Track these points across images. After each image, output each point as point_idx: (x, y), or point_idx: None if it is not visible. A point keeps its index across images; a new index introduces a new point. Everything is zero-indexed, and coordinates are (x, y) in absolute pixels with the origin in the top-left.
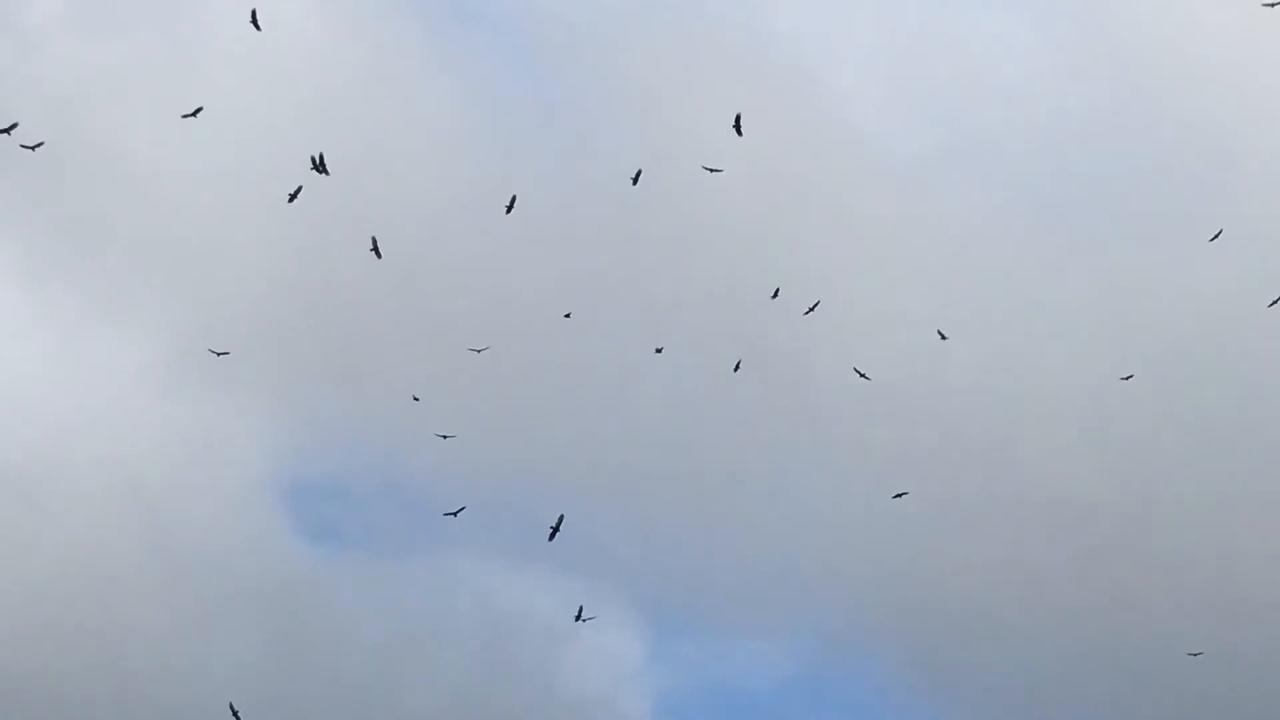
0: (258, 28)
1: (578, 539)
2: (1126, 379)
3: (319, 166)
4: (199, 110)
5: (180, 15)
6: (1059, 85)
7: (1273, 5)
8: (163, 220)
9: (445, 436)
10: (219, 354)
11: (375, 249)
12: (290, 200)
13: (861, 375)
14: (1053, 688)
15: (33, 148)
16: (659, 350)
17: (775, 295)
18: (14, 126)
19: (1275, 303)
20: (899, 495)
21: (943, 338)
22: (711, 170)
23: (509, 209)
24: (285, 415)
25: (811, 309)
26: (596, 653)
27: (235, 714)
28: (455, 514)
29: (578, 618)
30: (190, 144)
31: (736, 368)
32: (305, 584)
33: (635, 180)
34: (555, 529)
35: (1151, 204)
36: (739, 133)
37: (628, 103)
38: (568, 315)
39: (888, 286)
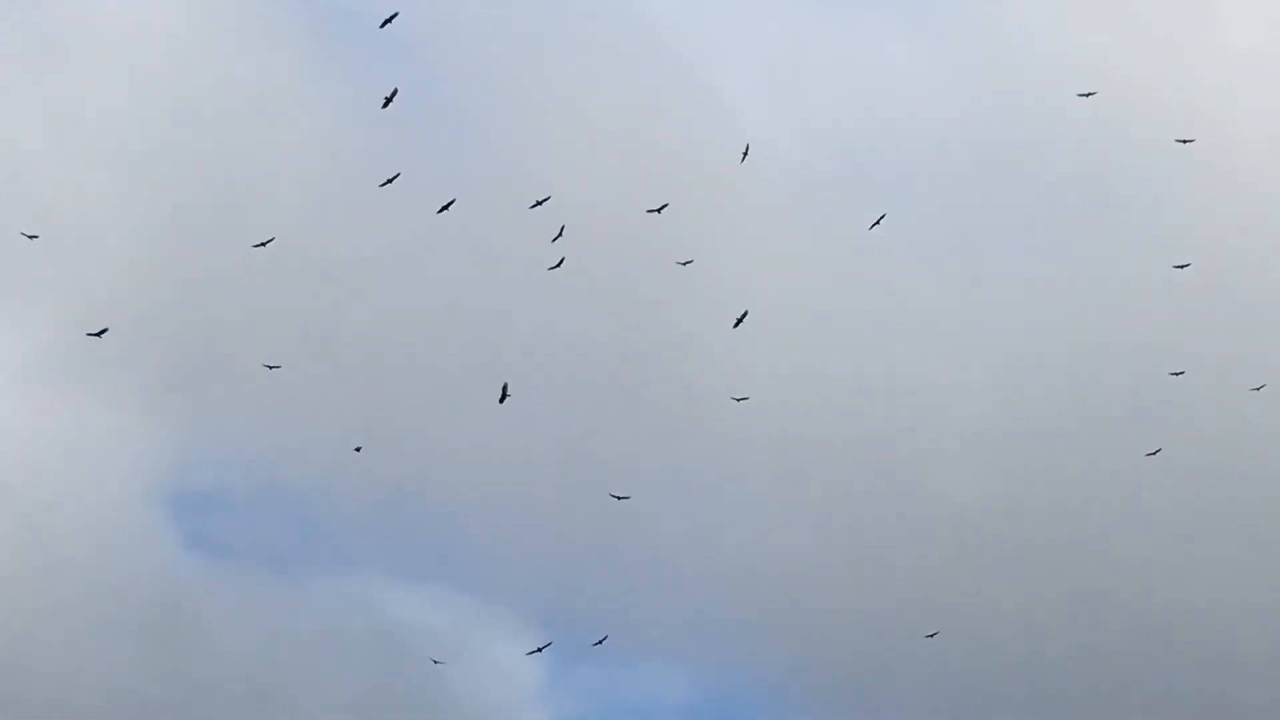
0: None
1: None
2: (1154, 453)
3: (389, 101)
4: None
5: (53, 8)
6: (948, 96)
7: (1185, 142)
8: (32, 218)
9: (358, 449)
10: (98, 334)
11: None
12: (259, 246)
13: (738, 399)
14: (961, 708)
15: None
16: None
17: (739, 322)
18: None
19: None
20: (931, 635)
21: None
22: (657, 210)
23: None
24: (165, 419)
25: (740, 321)
26: (492, 673)
27: None
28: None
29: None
30: (62, 140)
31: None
32: (188, 597)
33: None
34: (504, 394)
35: (1042, 210)
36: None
37: (515, 110)
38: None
39: (778, 296)
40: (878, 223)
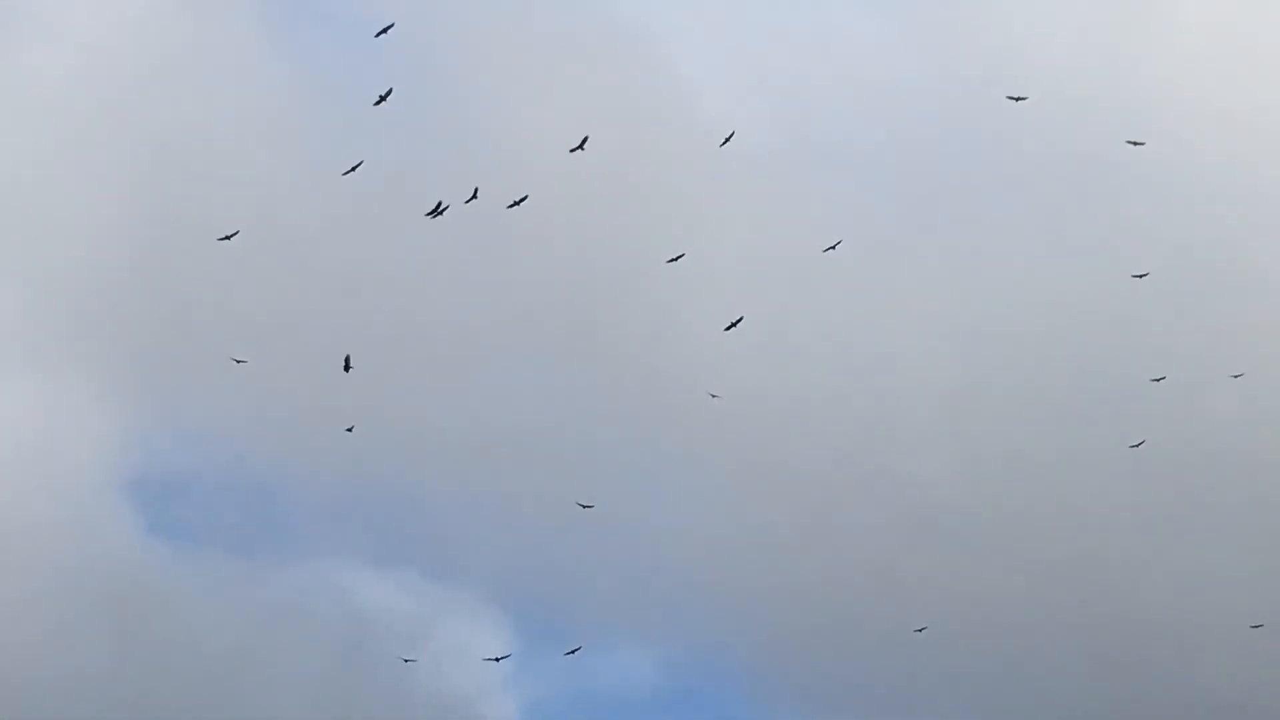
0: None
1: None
2: (1137, 445)
3: (383, 99)
4: None
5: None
6: (909, 74)
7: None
8: None
9: (349, 429)
10: None
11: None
12: (223, 239)
13: (713, 396)
14: (922, 697)
15: None
16: None
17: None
18: None
19: None
20: (920, 630)
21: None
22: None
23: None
24: (128, 406)
25: (733, 325)
26: (459, 659)
27: None
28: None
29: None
30: (22, 120)
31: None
32: (151, 583)
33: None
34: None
35: (1016, 191)
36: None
37: (472, 88)
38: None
39: (740, 282)
40: (833, 248)
